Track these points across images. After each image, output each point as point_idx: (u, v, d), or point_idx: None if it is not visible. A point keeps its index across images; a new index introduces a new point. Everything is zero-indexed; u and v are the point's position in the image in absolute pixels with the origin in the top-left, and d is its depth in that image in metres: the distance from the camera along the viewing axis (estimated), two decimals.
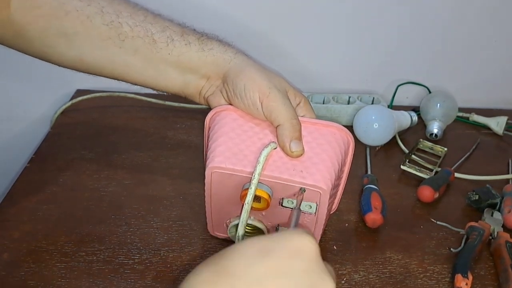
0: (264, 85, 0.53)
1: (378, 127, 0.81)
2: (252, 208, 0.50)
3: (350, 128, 0.84)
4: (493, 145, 0.88)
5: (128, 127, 0.85)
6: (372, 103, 0.91)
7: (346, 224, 0.66)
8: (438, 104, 0.88)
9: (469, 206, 0.71)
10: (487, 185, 0.72)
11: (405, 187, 0.75)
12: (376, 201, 0.66)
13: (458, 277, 0.57)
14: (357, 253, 0.62)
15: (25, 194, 0.67)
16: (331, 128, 0.55)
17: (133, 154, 0.77)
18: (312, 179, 0.51)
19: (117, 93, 0.90)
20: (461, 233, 0.64)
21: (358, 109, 0.85)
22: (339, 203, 0.64)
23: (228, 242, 0.60)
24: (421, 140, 0.85)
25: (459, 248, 0.62)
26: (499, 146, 0.89)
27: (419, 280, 0.59)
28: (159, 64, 0.56)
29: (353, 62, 0.95)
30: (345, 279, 0.58)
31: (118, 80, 0.59)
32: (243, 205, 0.50)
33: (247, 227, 0.58)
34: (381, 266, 0.60)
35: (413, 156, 0.80)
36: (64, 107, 0.87)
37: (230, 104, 0.56)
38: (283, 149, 0.52)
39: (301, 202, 0.52)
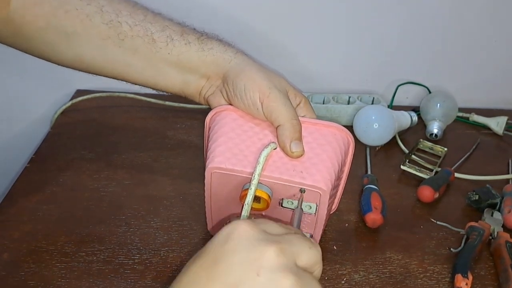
0: (264, 85, 0.53)
1: (378, 127, 0.81)
2: (252, 208, 0.50)
3: (350, 128, 0.84)
4: (493, 145, 0.88)
5: (128, 127, 0.85)
6: (372, 103, 0.91)
7: (346, 224, 0.66)
8: (438, 104, 0.88)
9: (469, 206, 0.71)
10: (487, 185, 0.72)
11: (405, 187, 0.75)
12: (376, 201, 0.66)
13: (458, 277, 0.57)
14: (357, 253, 0.62)
15: (25, 194, 0.67)
16: (331, 128, 0.55)
17: (133, 154, 0.77)
18: (312, 179, 0.51)
19: (117, 93, 0.90)
20: (461, 233, 0.64)
21: (358, 109, 0.85)
22: (339, 203, 0.64)
23: None
24: (421, 140, 0.85)
25: (459, 248, 0.62)
26: (499, 146, 0.89)
27: (419, 280, 0.59)
28: (158, 63, 0.56)
29: (353, 62, 0.95)
30: (345, 279, 0.58)
31: (117, 79, 0.59)
32: (243, 205, 0.50)
33: None
34: (381, 266, 0.60)
35: (413, 156, 0.80)
36: (64, 107, 0.87)
37: (230, 104, 0.56)
38: (283, 149, 0.52)
39: (301, 202, 0.52)
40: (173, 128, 0.85)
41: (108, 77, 0.59)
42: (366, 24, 0.90)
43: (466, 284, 0.56)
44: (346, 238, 0.64)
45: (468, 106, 0.94)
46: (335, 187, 0.55)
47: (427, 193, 0.70)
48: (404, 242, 0.64)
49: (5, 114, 0.98)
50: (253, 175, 0.49)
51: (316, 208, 0.53)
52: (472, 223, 0.65)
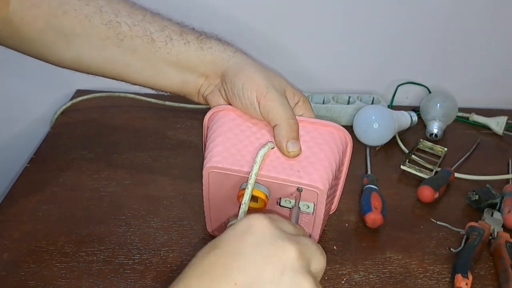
0: (262, 85, 0.53)
1: (378, 127, 0.81)
2: (249, 208, 0.50)
3: (350, 128, 0.84)
4: (493, 145, 0.88)
5: (128, 127, 0.85)
6: (372, 103, 0.91)
7: (346, 224, 0.66)
8: (438, 104, 0.88)
9: (469, 206, 0.71)
10: (487, 185, 0.72)
11: (405, 187, 0.75)
12: (376, 201, 0.66)
13: (458, 277, 0.57)
14: (357, 253, 0.62)
15: (25, 194, 0.67)
16: (329, 127, 0.54)
17: (133, 154, 0.77)
18: (309, 178, 0.51)
19: (117, 93, 0.90)
20: (461, 233, 0.64)
21: (358, 109, 0.85)
22: (338, 203, 0.64)
23: None
24: (421, 140, 0.85)
25: (459, 248, 0.62)
26: (499, 146, 0.89)
27: (419, 280, 0.59)
28: (157, 63, 0.56)
29: (353, 62, 0.95)
30: (345, 279, 0.58)
31: (117, 80, 0.59)
32: (240, 204, 0.50)
33: None
34: (381, 266, 0.60)
35: (413, 156, 0.80)
36: (64, 107, 0.87)
37: (229, 103, 0.56)
38: (280, 149, 0.52)
39: (299, 200, 0.52)
40: (173, 128, 0.85)
41: (107, 78, 0.59)
42: (366, 24, 0.90)
43: (466, 284, 0.56)
44: (346, 238, 0.64)
45: (468, 106, 0.94)
46: (333, 187, 0.55)
47: (427, 193, 0.70)
48: (404, 242, 0.64)
49: (5, 114, 0.98)
50: (250, 174, 0.49)
51: (314, 207, 0.53)
52: (472, 223, 0.65)
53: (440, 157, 0.81)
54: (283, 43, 0.92)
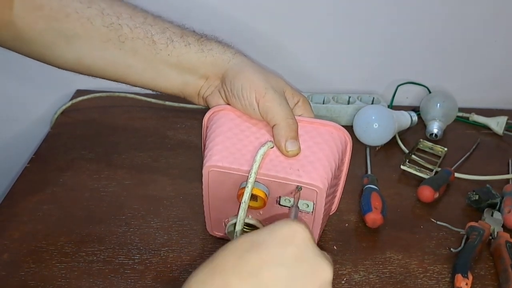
0: (261, 86, 0.53)
1: (378, 127, 0.81)
2: (249, 207, 0.50)
3: (350, 128, 0.84)
4: (493, 145, 0.88)
5: (128, 127, 0.85)
6: (372, 103, 0.91)
7: (346, 224, 0.66)
8: (438, 104, 0.88)
9: (469, 206, 0.71)
10: (487, 185, 0.72)
11: (405, 187, 0.75)
12: (376, 201, 0.66)
13: (458, 277, 0.57)
14: (357, 253, 0.62)
15: (25, 194, 0.67)
16: (328, 127, 0.55)
17: (133, 154, 0.77)
18: (308, 177, 0.51)
19: (117, 93, 0.90)
20: (461, 233, 0.64)
21: (358, 109, 0.85)
22: (339, 203, 0.64)
23: (228, 241, 0.60)
24: (421, 140, 0.85)
25: (459, 248, 0.62)
26: (499, 146, 0.89)
27: (419, 280, 0.59)
28: (158, 65, 0.57)
29: (353, 62, 0.95)
30: (345, 279, 0.58)
31: (118, 82, 0.59)
32: (240, 203, 0.50)
33: (245, 227, 0.58)
34: (381, 266, 0.60)
35: (413, 156, 0.80)
36: (64, 107, 0.87)
37: (228, 104, 0.56)
38: (279, 148, 0.52)
39: (298, 199, 0.52)
40: (173, 128, 0.85)
41: (108, 80, 0.59)
42: (366, 24, 0.90)
43: (466, 284, 0.56)
44: (346, 238, 0.64)
45: (468, 106, 0.94)
46: (332, 186, 0.55)
47: (427, 193, 0.70)
48: (404, 242, 0.64)
49: (5, 114, 0.98)
50: (250, 173, 0.50)
51: (313, 206, 0.53)
52: (472, 223, 0.65)
53: (440, 157, 0.81)
54: (283, 43, 0.92)
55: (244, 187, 0.50)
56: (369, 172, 0.76)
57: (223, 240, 0.61)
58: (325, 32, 0.91)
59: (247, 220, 0.56)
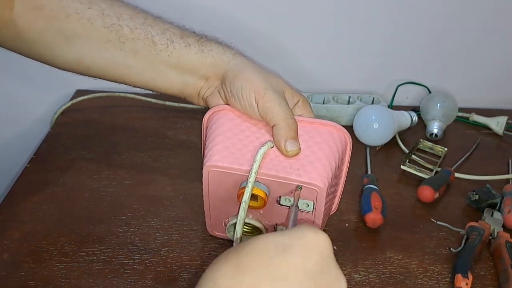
0: (260, 86, 0.53)
1: (378, 127, 0.81)
2: (249, 206, 0.50)
3: (350, 128, 0.84)
4: (493, 145, 0.88)
5: (128, 127, 0.85)
6: (372, 103, 0.91)
7: (346, 224, 0.66)
8: (438, 104, 0.88)
9: (469, 206, 0.71)
10: (487, 185, 0.72)
11: (405, 187, 0.75)
12: (376, 201, 0.66)
13: (458, 277, 0.57)
14: (357, 253, 0.62)
15: (25, 194, 0.67)
16: (328, 127, 0.55)
17: (133, 154, 0.77)
18: (308, 177, 0.51)
19: (117, 93, 0.90)
20: (461, 233, 0.64)
21: (358, 109, 0.85)
22: (339, 203, 0.64)
23: (228, 241, 0.60)
24: (421, 140, 0.85)
25: (459, 248, 0.62)
26: (499, 146, 0.89)
27: (419, 280, 0.59)
28: (159, 65, 0.57)
29: (353, 62, 0.95)
30: None
31: (118, 82, 0.59)
32: (240, 203, 0.50)
33: (245, 227, 0.58)
34: (381, 266, 0.60)
35: (413, 156, 0.80)
36: (64, 107, 0.87)
37: (228, 105, 0.56)
38: (278, 148, 0.52)
39: (298, 199, 0.52)
40: (173, 128, 0.85)
41: (108, 80, 0.59)
42: (366, 24, 0.90)
43: (466, 284, 0.56)
44: (346, 238, 0.64)
45: (468, 106, 0.94)
46: (332, 186, 0.55)
47: (427, 193, 0.70)
48: (404, 242, 0.64)
49: (5, 114, 0.98)
50: (250, 173, 0.50)
51: (313, 206, 0.53)
52: (472, 223, 0.65)
53: (440, 157, 0.81)
54: (283, 43, 0.92)
55: (244, 187, 0.50)
56: (369, 172, 0.76)
57: (223, 240, 0.61)
58: (325, 32, 0.91)
59: (247, 220, 0.56)
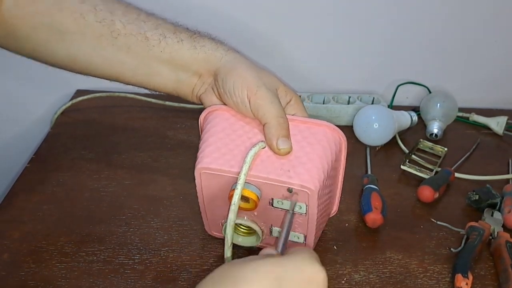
0: (252, 83, 0.52)
1: (378, 127, 0.81)
2: (241, 208, 0.49)
3: (350, 128, 0.84)
4: (493, 145, 0.88)
5: (128, 127, 0.85)
6: (372, 103, 0.91)
7: (346, 224, 0.66)
8: (438, 104, 0.88)
9: (469, 206, 0.71)
10: (487, 185, 0.72)
11: (405, 187, 0.75)
12: (376, 201, 0.66)
13: (458, 277, 0.57)
14: (357, 253, 0.62)
15: (25, 194, 0.67)
16: (322, 127, 0.54)
17: (133, 154, 0.77)
18: (299, 179, 0.50)
19: (117, 93, 0.90)
20: (461, 233, 0.64)
21: (358, 109, 0.85)
22: (339, 204, 0.64)
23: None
24: (421, 140, 0.85)
25: (459, 248, 0.62)
26: (499, 146, 0.89)
27: (419, 280, 0.59)
28: (151, 61, 0.56)
29: (353, 62, 0.95)
30: (345, 279, 0.58)
31: (111, 80, 0.59)
32: (229, 205, 0.49)
33: (242, 228, 0.58)
34: (381, 266, 0.60)
35: (413, 156, 0.80)
36: (64, 107, 0.87)
37: (222, 102, 0.56)
38: (270, 147, 0.51)
39: (294, 205, 0.51)
40: (173, 128, 0.85)
41: (101, 77, 0.59)
42: (366, 24, 0.90)
43: (466, 284, 0.56)
44: (346, 238, 0.64)
45: (468, 106, 0.94)
46: (326, 187, 0.54)
47: (427, 193, 0.70)
48: (404, 242, 0.64)
49: (5, 114, 0.98)
50: (240, 174, 0.49)
51: (306, 208, 0.52)
52: (472, 223, 0.65)
53: (440, 157, 0.81)
54: (283, 43, 0.92)
55: (234, 189, 0.49)
56: (369, 172, 0.76)
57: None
58: (325, 32, 0.91)
59: (242, 222, 0.55)
